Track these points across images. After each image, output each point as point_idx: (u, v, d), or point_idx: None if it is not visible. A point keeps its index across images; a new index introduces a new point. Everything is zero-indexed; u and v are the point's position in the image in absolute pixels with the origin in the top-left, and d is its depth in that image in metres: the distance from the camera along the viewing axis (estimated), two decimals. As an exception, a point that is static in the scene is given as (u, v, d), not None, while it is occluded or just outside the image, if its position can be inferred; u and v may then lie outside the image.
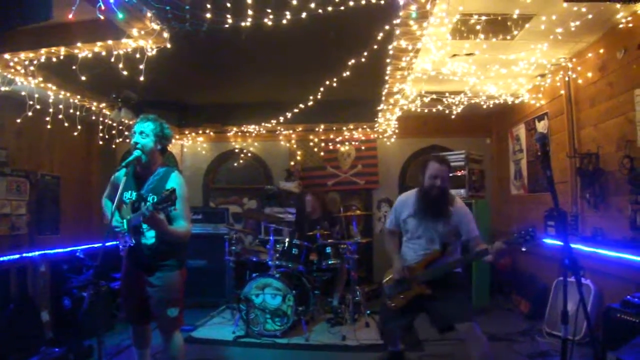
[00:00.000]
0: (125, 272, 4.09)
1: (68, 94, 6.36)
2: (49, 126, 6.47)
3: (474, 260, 4.44)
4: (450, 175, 4.56)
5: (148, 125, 3.91)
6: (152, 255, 3.85)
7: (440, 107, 8.01)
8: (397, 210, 4.71)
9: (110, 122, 7.83)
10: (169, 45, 4.69)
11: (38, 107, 5.90)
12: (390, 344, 4.95)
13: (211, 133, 9.73)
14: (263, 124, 9.00)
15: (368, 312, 6.77)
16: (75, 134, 6.99)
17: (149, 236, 3.84)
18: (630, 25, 4.89)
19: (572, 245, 2.97)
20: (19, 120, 6.10)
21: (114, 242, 3.98)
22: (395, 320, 4.55)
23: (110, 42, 4.60)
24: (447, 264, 4.31)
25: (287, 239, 6.86)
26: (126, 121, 7.52)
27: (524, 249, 4.15)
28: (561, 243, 2.99)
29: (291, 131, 9.64)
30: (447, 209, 4.36)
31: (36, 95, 5.81)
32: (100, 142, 8.24)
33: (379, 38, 5.06)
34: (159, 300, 3.85)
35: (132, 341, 4.18)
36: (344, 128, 9.52)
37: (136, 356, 4.17)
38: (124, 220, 3.82)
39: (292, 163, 9.90)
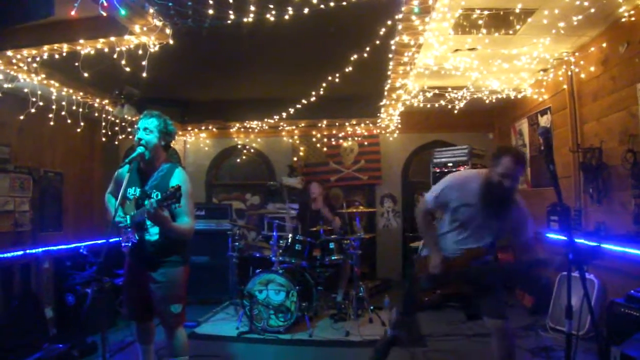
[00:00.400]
0: (127, 269, 4.08)
1: (71, 91, 6.38)
2: (51, 123, 6.47)
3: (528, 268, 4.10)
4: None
5: (152, 121, 3.87)
6: (156, 251, 3.83)
7: (442, 102, 8.00)
8: (448, 192, 4.03)
9: (113, 119, 7.83)
10: (171, 42, 4.68)
11: (41, 104, 5.91)
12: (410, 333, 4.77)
13: (214, 129, 9.74)
14: (266, 119, 9.01)
15: (372, 307, 6.75)
16: (78, 130, 7.01)
17: (153, 232, 3.81)
18: (633, 19, 4.87)
19: (576, 240, 2.96)
20: (21, 117, 6.11)
21: (117, 239, 3.98)
22: (421, 311, 4.47)
23: (112, 38, 4.60)
24: (495, 266, 4.06)
25: (290, 235, 6.86)
26: (129, 118, 7.53)
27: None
28: (565, 238, 2.98)
29: (294, 127, 9.64)
30: (510, 209, 3.93)
31: (39, 92, 5.81)
32: (103, 139, 8.24)
33: (381, 33, 5.05)
34: (162, 296, 3.82)
35: (136, 337, 4.16)
36: (347, 124, 9.54)
37: (140, 352, 4.16)
38: (127, 217, 3.82)
39: (295, 159, 9.91)
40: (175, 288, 3.89)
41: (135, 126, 3.94)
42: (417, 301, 4.30)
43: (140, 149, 3.79)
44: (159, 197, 3.57)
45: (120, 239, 3.98)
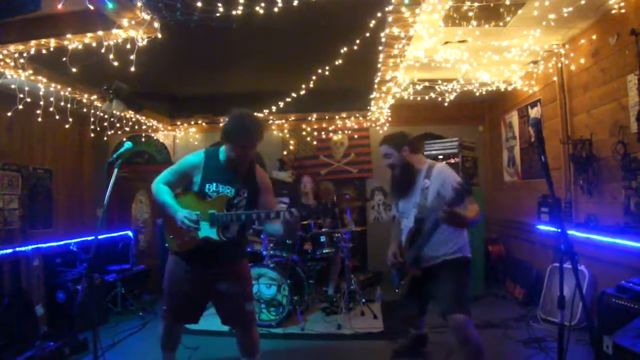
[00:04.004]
0: (180, 269, 3.85)
1: (59, 87, 6.30)
2: (40, 119, 6.43)
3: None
4: (409, 141, 4.36)
5: (256, 138, 3.90)
6: (230, 248, 3.79)
7: (432, 95, 8.00)
8: (390, 197, 4.66)
9: (101, 114, 7.78)
10: (159, 36, 4.63)
11: (29, 100, 5.86)
12: (414, 327, 4.98)
13: (203, 124, 9.68)
14: (255, 113, 8.95)
15: (363, 300, 6.75)
16: (67, 126, 6.97)
17: (233, 230, 3.78)
18: (623, 10, 4.88)
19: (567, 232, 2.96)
20: (9, 114, 6.05)
21: (109, 235, 3.96)
22: (409, 306, 4.57)
23: (100, 32, 4.55)
24: (423, 237, 4.03)
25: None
26: (117, 113, 7.48)
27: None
28: (555, 229, 2.99)
29: (284, 121, 9.60)
30: (411, 184, 4.23)
31: (26, 88, 5.76)
32: (92, 135, 8.20)
33: (371, 25, 5.02)
34: (236, 294, 3.83)
35: (162, 343, 4.03)
36: (337, 117, 9.52)
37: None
38: (197, 213, 3.59)
39: (285, 153, 9.88)
40: (248, 284, 4.01)
41: (233, 141, 3.75)
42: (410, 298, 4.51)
43: (127, 144, 3.81)
44: (247, 195, 3.77)
45: (171, 237, 3.83)
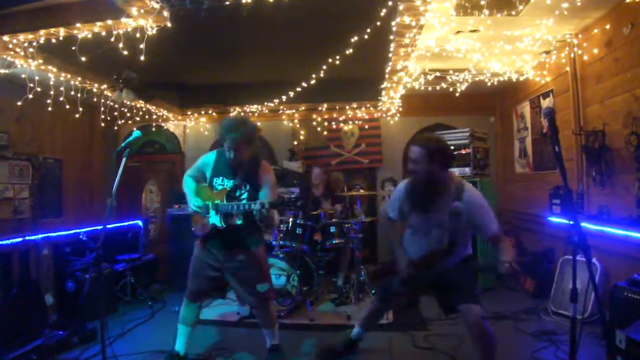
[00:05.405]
0: (201, 252, 4.45)
1: (69, 76, 6.31)
2: (50, 109, 6.43)
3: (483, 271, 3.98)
4: (446, 155, 3.92)
5: (241, 137, 4.19)
6: (238, 234, 4.30)
7: (444, 85, 7.93)
8: (398, 198, 4.22)
9: (112, 104, 7.78)
10: (169, 24, 4.62)
11: (39, 89, 5.85)
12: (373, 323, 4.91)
13: (213, 113, 9.66)
14: (265, 103, 8.92)
15: (372, 291, 6.74)
16: (77, 116, 6.97)
17: (237, 218, 4.26)
18: (637, 0, 4.80)
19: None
20: (19, 104, 6.05)
21: (119, 224, 4.04)
22: (397, 304, 4.73)
23: (109, 21, 4.54)
24: (456, 267, 3.96)
25: (290, 219, 6.84)
26: (128, 102, 7.48)
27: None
28: (566, 221, 2.95)
29: (294, 111, 9.57)
30: (433, 201, 3.90)
31: (36, 78, 5.76)
32: (102, 124, 8.22)
33: (382, 14, 4.98)
34: (247, 276, 4.38)
35: (183, 319, 4.52)
36: (347, 107, 9.46)
37: (183, 333, 4.52)
38: (209, 203, 4.27)
39: (295, 143, 9.88)
40: (258, 267, 4.42)
41: (225, 139, 4.25)
42: (392, 300, 4.51)
43: (136, 133, 4.04)
44: (248, 189, 4.28)
45: (193, 225, 4.47)
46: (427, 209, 3.96)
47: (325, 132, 9.87)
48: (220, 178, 4.35)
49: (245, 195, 4.29)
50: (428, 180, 3.87)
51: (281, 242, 6.53)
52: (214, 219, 4.24)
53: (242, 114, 9.59)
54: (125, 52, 4.88)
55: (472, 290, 3.93)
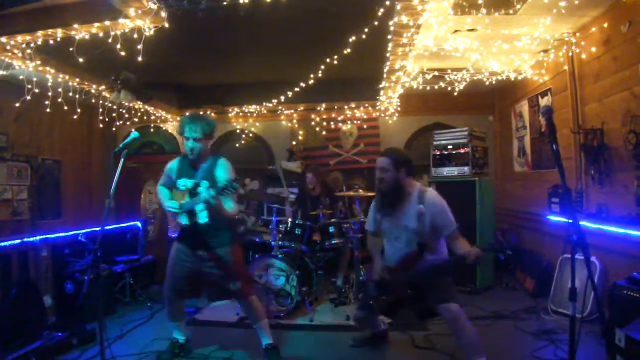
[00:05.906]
0: (177, 252, 4.63)
1: (67, 77, 6.30)
2: (48, 110, 6.43)
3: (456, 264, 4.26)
4: (410, 164, 4.46)
5: (198, 129, 4.37)
6: (206, 232, 4.47)
7: (442, 85, 7.93)
8: (372, 210, 4.75)
9: (110, 105, 7.78)
10: (167, 25, 4.62)
11: (37, 91, 5.86)
12: (370, 328, 5.12)
13: (212, 114, 9.63)
14: (264, 103, 8.93)
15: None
16: (75, 117, 6.97)
17: (202, 216, 4.43)
18: (636, -2, 4.81)
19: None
20: (18, 105, 6.06)
21: (117, 226, 4.08)
22: (375, 314, 4.85)
23: (107, 22, 4.55)
24: (429, 268, 4.20)
25: (290, 220, 6.84)
26: (126, 104, 7.47)
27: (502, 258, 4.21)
28: (565, 220, 2.95)
29: (293, 111, 9.58)
30: (399, 206, 4.35)
31: (35, 79, 5.76)
32: (101, 125, 8.21)
33: (380, 14, 4.98)
34: (218, 275, 4.55)
35: (170, 317, 4.78)
36: (346, 107, 9.47)
37: (175, 328, 4.82)
38: (176, 204, 4.46)
39: (294, 143, 9.87)
40: (229, 266, 4.52)
41: (183, 135, 4.46)
42: (371, 306, 4.67)
43: (134, 134, 4.10)
44: (209, 187, 4.32)
45: (169, 226, 4.69)
46: (395, 213, 4.39)
47: (324, 132, 9.86)
48: (183, 180, 4.54)
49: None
50: (395, 186, 4.33)
51: (280, 243, 6.52)
52: (183, 219, 4.49)
53: (240, 114, 9.60)
54: (123, 53, 4.87)
55: (448, 289, 4.17)
